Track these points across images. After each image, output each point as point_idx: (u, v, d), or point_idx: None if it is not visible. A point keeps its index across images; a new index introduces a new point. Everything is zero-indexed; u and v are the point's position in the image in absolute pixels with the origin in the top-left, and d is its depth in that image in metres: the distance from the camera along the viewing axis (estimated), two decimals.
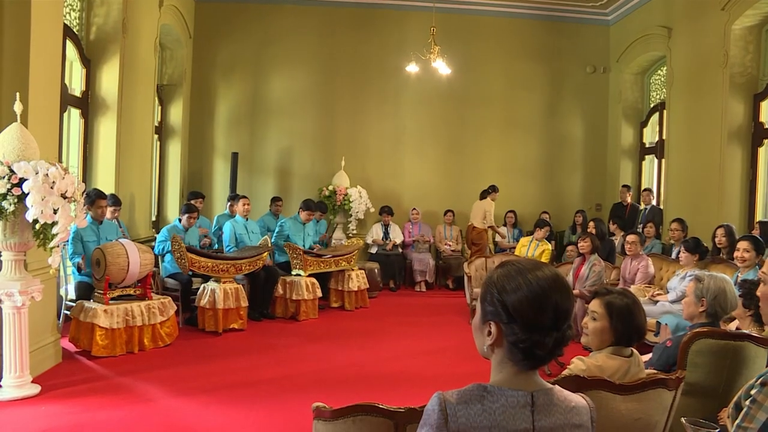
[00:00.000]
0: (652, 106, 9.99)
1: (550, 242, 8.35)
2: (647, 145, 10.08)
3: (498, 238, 10.02)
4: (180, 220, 7.15)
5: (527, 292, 1.34)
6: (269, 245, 7.36)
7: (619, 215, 9.04)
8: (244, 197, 7.83)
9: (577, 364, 2.47)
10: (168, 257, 6.89)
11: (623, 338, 2.50)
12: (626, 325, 2.47)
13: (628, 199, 9.50)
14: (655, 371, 2.68)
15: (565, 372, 2.43)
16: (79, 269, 5.79)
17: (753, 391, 1.71)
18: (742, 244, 5.12)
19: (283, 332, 6.66)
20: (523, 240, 8.56)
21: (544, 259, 7.93)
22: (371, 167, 10.33)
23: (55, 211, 4.13)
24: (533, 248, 7.98)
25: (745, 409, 1.72)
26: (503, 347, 1.38)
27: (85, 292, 5.72)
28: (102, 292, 5.45)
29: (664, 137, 9.13)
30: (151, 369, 5.09)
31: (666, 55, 8.83)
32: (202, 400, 4.42)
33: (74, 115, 6.99)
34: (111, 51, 7.14)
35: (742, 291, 3.31)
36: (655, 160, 9.77)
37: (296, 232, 7.89)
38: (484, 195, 9.60)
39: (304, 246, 7.75)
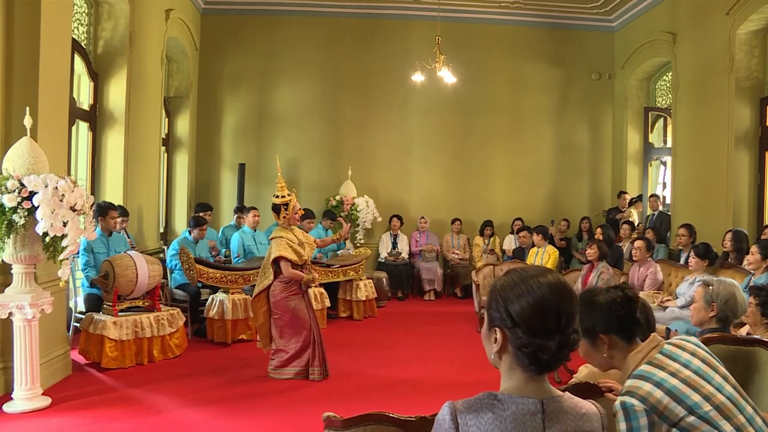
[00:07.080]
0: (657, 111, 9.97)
1: (557, 246, 8.31)
2: (653, 150, 10.05)
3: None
4: (190, 233, 7.17)
5: (529, 297, 1.36)
6: None
7: (612, 220, 9.08)
8: (254, 209, 7.85)
9: (582, 371, 2.49)
10: (178, 268, 6.90)
11: None
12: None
13: (626, 205, 9.54)
14: None
15: (573, 379, 2.43)
16: (91, 284, 5.82)
17: None
18: (752, 248, 5.20)
19: None
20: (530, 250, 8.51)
21: (551, 264, 7.90)
22: (378, 177, 10.34)
23: (64, 224, 4.17)
24: (540, 256, 7.94)
25: None
26: (510, 353, 1.40)
27: (94, 304, 5.75)
28: (111, 304, 5.47)
29: (669, 143, 9.10)
30: (160, 380, 5.10)
31: (671, 61, 8.82)
32: (212, 411, 4.42)
33: (82, 128, 7.04)
34: (118, 64, 7.21)
35: (761, 299, 3.29)
36: (662, 166, 9.74)
37: None
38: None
39: None
